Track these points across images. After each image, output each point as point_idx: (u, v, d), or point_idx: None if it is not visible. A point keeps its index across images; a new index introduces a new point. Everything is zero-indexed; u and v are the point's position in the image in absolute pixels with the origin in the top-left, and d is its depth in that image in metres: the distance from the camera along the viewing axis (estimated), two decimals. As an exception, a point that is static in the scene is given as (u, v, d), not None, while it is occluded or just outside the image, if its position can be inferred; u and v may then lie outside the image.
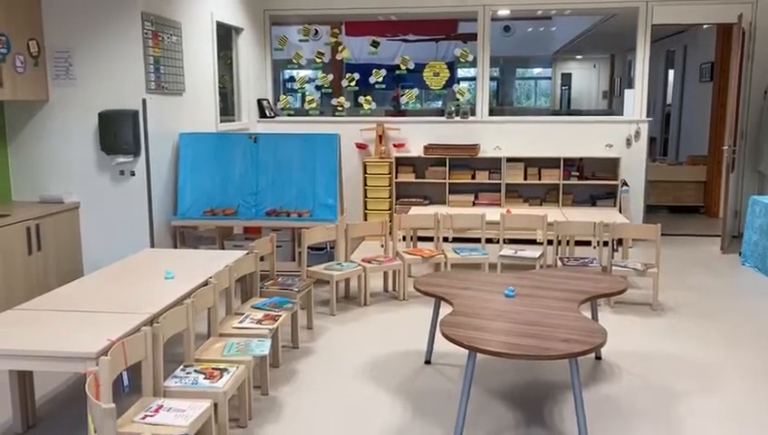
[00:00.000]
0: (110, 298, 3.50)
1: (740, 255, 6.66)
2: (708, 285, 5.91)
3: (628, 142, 7.62)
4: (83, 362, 2.74)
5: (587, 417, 3.14)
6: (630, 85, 8.02)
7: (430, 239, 6.01)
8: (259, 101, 7.97)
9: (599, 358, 4.24)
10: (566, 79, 19.31)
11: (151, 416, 2.76)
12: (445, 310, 3.69)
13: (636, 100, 7.64)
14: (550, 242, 5.74)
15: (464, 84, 8.35)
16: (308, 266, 5.21)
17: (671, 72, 12.42)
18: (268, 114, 8.03)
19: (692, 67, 10.90)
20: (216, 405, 2.98)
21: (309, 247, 5.31)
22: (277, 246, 5.24)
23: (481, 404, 3.62)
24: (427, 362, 4.18)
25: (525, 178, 7.54)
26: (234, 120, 7.39)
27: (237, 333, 3.75)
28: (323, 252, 5.70)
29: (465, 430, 3.22)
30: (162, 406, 2.85)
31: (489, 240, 5.92)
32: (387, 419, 3.48)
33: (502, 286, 3.84)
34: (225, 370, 3.22)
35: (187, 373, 3.19)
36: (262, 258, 4.64)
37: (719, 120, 8.94)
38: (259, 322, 3.92)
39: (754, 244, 6.34)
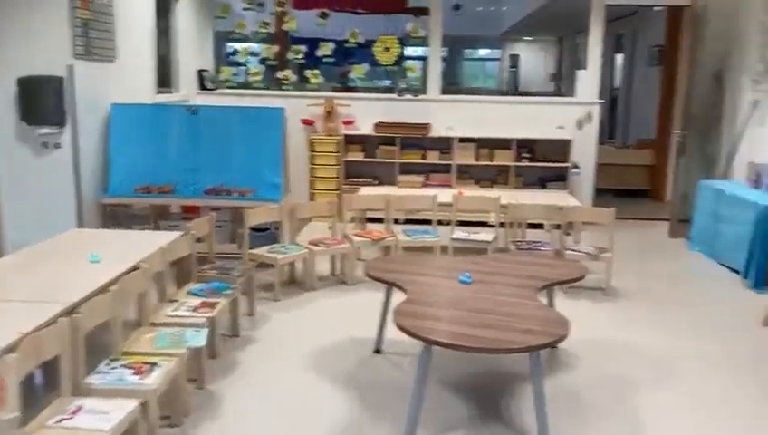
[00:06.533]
0: (26, 285, 3.12)
1: (688, 239, 6.65)
2: (659, 270, 5.87)
3: (580, 124, 7.52)
4: (-13, 359, 2.38)
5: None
6: (579, 68, 7.91)
7: (380, 221, 5.77)
8: (199, 72, 7.54)
9: (554, 346, 4.10)
10: (514, 60, 19.28)
11: (68, 419, 2.44)
12: (397, 296, 3.45)
13: (589, 81, 7.54)
14: (501, 225, 5.58)
15: (413, 62, 8.08)
16: (250, 249, 4.90)
17: (618, 57, 12.45)
18: (209, 86, 7.60)
19: (641, 51, 10.92)
20: (144, 404, 2.67)
21: (251, 229, 5.00)
22: (217, 227, 4.91)
23: (433, 397, 3.41)
24: (377, 351, 3.95)
25: (477, 160, 7.37)
26: (172, 92, 6.95)
27: (171, 322, 3.44)
28: (266, 233, 5.38)
29: (417, 428, 3.01)
30: (82, 407, 2.53)
31: (440, 222, 5.73)
32: (333, 414, 3.24)
33: (457, 272, 3.63)
34: (156, 364, 2.91)
35: (113, 369, 2.86)
36: (199, 240, 4.32)
37: (667, 104, 8.96)
38: (195, 309, 3.61)
39: (703, 229, 6.34)
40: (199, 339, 3.23)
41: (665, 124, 8.97)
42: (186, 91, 7.19)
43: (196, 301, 3.74)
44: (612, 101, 12.48)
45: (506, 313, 3.07)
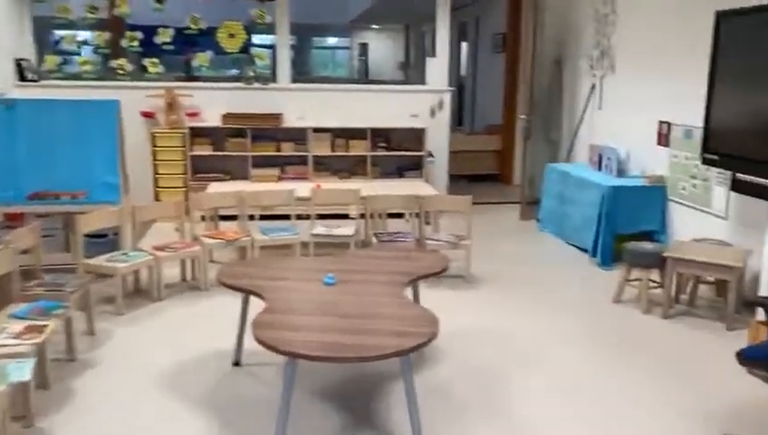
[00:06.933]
0: None
1: (538, 221, 6.90)
2: (513, 253, 6.01)
3: (433, 112, 7.56)
4: None
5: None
6: (426, 56, 7.96)
7: (234, 218, 5.42)
8: (17, 62, 6.70)
9: (421, 340, 4.00)
10: (363, 49, 19.30)
11: None
12: (255, 303, 3.18)
13: (438, 69, 7.58)
14: (362, 216, 5.44)
15: (262, 50, 7.70)
16: (86, 259, 4.38)
17: (463, 45, 12.78)
18: (30, 77, 6.78)
19: (484, 38, 11.25)
20: (-49, 463, 2.22)
21: (87, 236, 4.46)
22: (46, 236, 4.35)
23: (301, 409, 3.18)
24: (237, 363, 3.64)
25: (333, 150, 7.18)
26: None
27: (-13, 354, 2.93)
28: (105, 240, 4.86)
29: (285, 444, 2.77)
30: None
31: (299, 217, 5.49)
32: (191, 441, 2.92)
33: (319, 273, 3.41)
34: (-33, 410, 2.44)
35: None
36: (25, 251, 3.78)
37: (512, 90, 9.27)
38: (18, 336, 3.12)
39: (551, 210, 6.58)
40: (24, 372, 2.77)
41: (510, 110, 9.28)
42: (0, 82, 6.35)
43: (19, 325, 3.23)
44: (459, 89, 12.81)
45: (374, 314, 2.90)
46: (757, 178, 3.96)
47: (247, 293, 3.30)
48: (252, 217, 5.35)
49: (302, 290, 3.19)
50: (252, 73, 7.30)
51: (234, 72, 9.19)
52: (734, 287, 4.15)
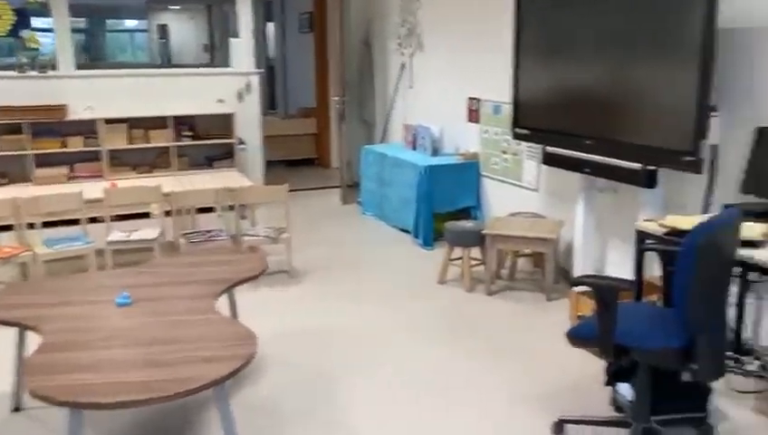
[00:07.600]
0: None
1: (359, 204, 6.74)
2: (336, 239, 5.78)
3: (240, 96, 7.09)
4: None
5: (243, 442, 2.51)
6: (233, 36, 7.46)
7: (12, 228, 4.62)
8: None
9: (243, 350, 3.63)
10: (163, 31, 18.01)
11: None
12: (34, 337, 2.61)
13: (243, 50, 7.11)
14: (168, 213, 4.90)
15: (38, 34, 6.71)
16: None
17: (270, 25, 12.29)
18: None
19: (291, 18, 10.87)
20: None
21: None
22: None
23: (102, 455, 2.69)
24: (17, 408, 3.03)
25: (130, 142, 6.45)
26: None
27: None
28: None
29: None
30: None
31: (94, 219, 4.82)
32: None
33: (114, 290, 2.91)
34: None
35: None
36: None
37: (323, 71, 9.02)
38: None
39: (371, 192, 6.44)
40: None
41: (323, 92, 9.02)
42: None
43: None
44: (270, 71, 12.33)
45: (180, 338, 2.48)
46: (565, 151, 4.04)
47: (18, 327, 2.71)
48: (32, 226, 4.59)
49: (90, 316, 2.67)
50: (25, 60, 6.33)
51: (13, 60, 8.00)
52: (551, 259, 4.25)
